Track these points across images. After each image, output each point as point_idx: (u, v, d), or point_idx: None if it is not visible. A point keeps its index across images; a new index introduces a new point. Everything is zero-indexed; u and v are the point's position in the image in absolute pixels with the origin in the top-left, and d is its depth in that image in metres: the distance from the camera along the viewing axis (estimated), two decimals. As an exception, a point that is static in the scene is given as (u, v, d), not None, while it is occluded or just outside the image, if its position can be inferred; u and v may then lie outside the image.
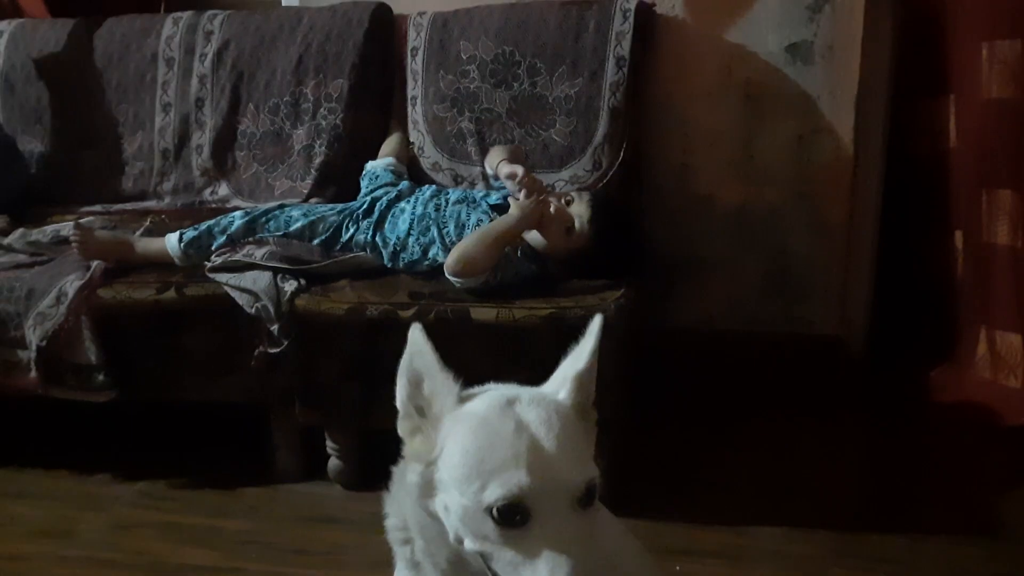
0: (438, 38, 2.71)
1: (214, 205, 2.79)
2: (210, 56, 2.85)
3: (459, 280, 2.06)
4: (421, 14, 2.77)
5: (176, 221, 2.52)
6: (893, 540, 2.01)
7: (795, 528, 2.05)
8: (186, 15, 2.93)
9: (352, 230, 2.32)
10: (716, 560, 1.96)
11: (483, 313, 2.01)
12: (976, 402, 2.61)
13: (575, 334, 1.90)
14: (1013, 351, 2.61)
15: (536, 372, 1.15)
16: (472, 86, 2.64)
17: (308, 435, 2.26)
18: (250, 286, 2.13)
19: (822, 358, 2.80)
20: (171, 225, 2.47)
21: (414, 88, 2.73)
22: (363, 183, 2.53)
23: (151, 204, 2.86)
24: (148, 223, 2.56)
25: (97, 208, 2.84)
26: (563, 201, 2.19)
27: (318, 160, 2.71)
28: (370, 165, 2.57)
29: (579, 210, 2.17)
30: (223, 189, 2.83)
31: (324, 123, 2.73)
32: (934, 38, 2.61)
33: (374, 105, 2.76)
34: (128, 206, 2.85)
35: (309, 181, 2.69)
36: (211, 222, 2.33)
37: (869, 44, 2.64)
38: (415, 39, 2.74)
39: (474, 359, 1.84)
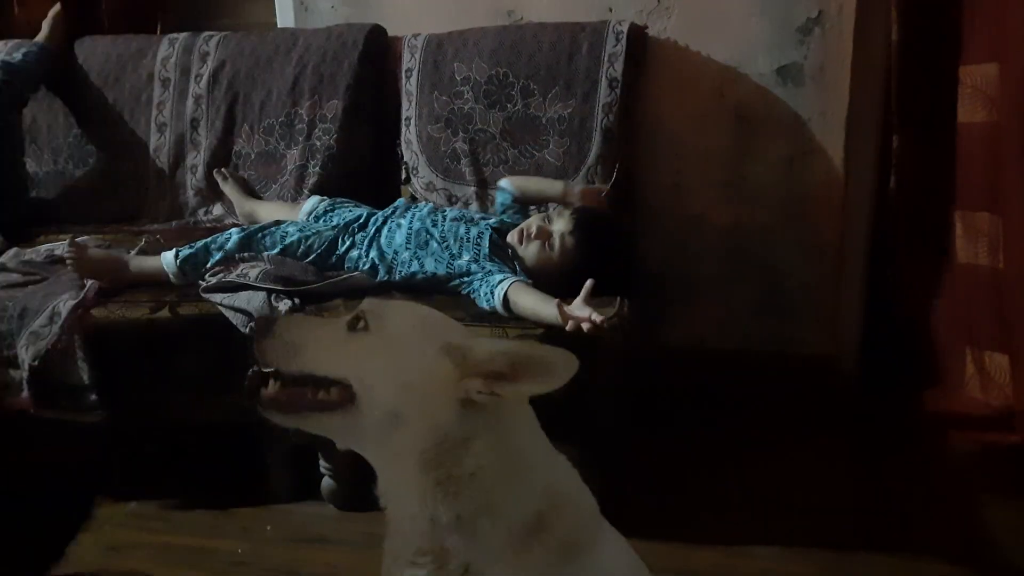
0: (432, 59, 2.73)
1: (208, 225, 2.79)
2: (206, 77, 2.86)
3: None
4: (415, 36, 2.79)
5: (171, 241, 2.52)
6: (885, 560, 2.02)
7: (787, 548, 2.05)
8: (182, 36, 2.95)
9: (347, 243, 2.33)
10: (709, 580, 1.96)
11: (479, 332, 2.00)
12: (967, 422, 2.62)
13: (569, 350, 1.92)
14: (1001, 371, 2.63)
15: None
16: (466, 107, 2.66)
17: (301, 455, 2.25)
18: (244, 306, 2.12)
19: (814, 378, 2.81)
20: (166, 244, 2.47)
21: (408, 109, 2.74)
22: (306, 218, 2.52)
23: (145, 225, 2.85)
24: (143, 243, 2.56)
25: (90, 228, 2.82)
26: (545, 220, 2.20)
27: (311, 180, 2.72)
28: (309, 204, 2.56)
29: (560, 226, 2.18)
30: (217, 209, 2.84)
31: (318, 143, 2.74)
32: (912, 66, 2.64)
33: (368, 126, 2.78)
34: (123, 226, 2.84)
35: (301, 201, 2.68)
36: (207, 240, 2.33)
37: (859, 66, 2.67)
38: (409, 60, 2.76)
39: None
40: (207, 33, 2.95)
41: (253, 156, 2.83)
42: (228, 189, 2.77)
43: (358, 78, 2.75)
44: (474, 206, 2.64)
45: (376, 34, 2.82)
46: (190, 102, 2.88)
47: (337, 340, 1.18)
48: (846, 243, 2.80)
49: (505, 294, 2.01)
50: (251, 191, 2.80)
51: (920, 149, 2.69)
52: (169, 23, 3.04)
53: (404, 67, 2.76)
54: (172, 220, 2.86)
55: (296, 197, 2.72)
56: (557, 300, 1.87)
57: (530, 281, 2.07)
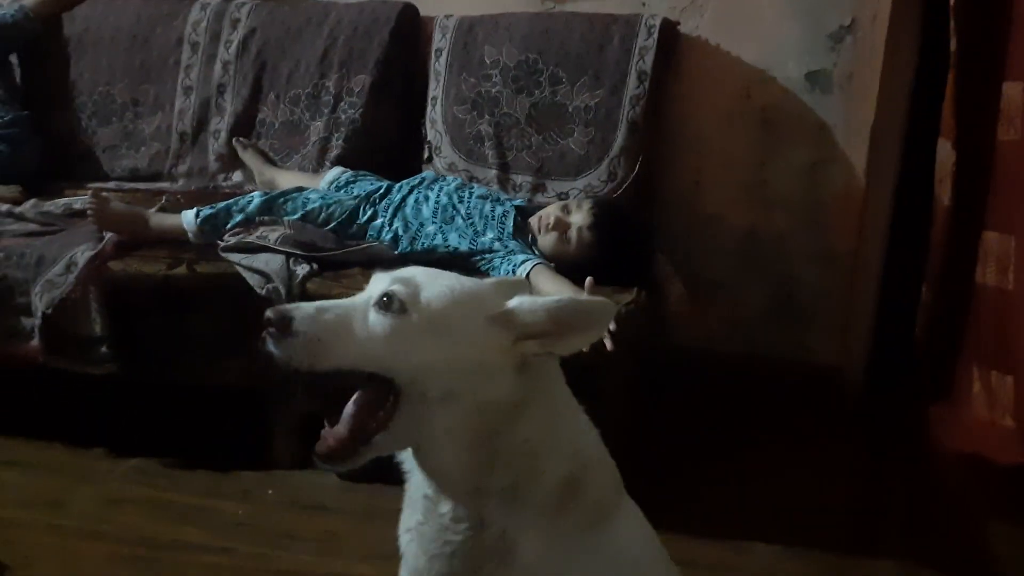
0: (463, 41, 2.73)
1: (228, 191, 2.79)
2: (235, 43, 2.87)
3: None
4: (448, 17, 2.80)
5: (191, 201, 2.52)
6: (884, 565, 2.02)
7: (789, 547, 2.05)
8: (214, 1, 2.95)
9: (369, 212, 2.33)
10: (713, 573, 1.96)
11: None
12: (971, 439, 2.60)
13: None
14: (1006, 391, 2.62)
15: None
16: (494, 90, 2.66)
17: (307, 421, 2.24)
18: (262, 267, 2.13)
19: (820, 386, 2.81)
20: (186, 205, 2.46)
21: (435, 89, 2.75)
22: (328, 187, 2.53)
23: (165, 185, 2.87)
24: (163, 201, 2.57)
25: (111, 185, 2.85)
26: (564, 210, 2.20)
27: (334, 153, 2.73)
28: (332, 174, 2.57)
29: (578, 218, 2.17)
30: (238, 176, 2.85)
31: (343, 116, 2.75)
32: (946, 81, 2.63)
33: (394, 103, 2.78)
34: (142, 185, 2.87)
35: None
36: (230, 201, 2.33)
37: (888, 77, 2.66)
38: (440, 40, 2.76)
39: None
40: (239, 0, 2.95)
41: (277, 125, 2.83)
42: (247, 157, 2.78)
43: (387, 54, 2.75)
44: (494, 189, 2.63)
45: (409, 12, 2.83)
46: (218, 67, 2.88)
47: (372, 328, 1.07)
48: (861, 253, 2.79)
49: (528, 275, 2.01)
50: (270, 161, 2.79)
51: (965, 165, 2.69)
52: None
53: (434, 47, 2.77)
54: (192, 183, 2.86)
55: (318, 169, 2.72)
56: (587, 285, 1.86)
57: (552, 265, 2.07)
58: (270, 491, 2.20)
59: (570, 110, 2.61)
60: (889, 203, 2.77)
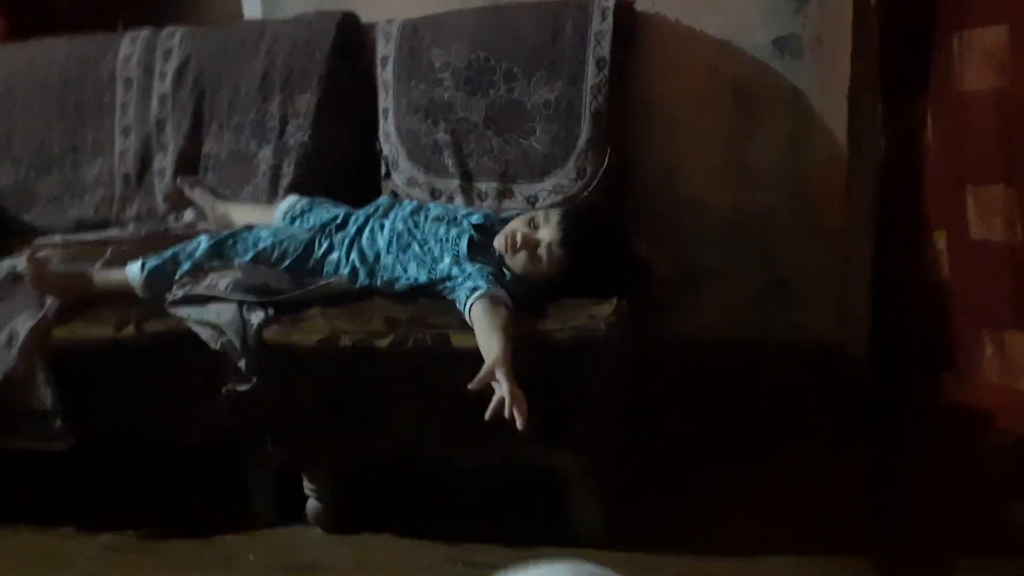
0: (408, 46, 2.58)
1: (180, 232, 2.63)
2: (170, 75, 2.71)
3: None
4: (390, 22, 2.64)
5: (140, 250, 2.35)
6: (902, 566, 1.90)
7: (803, 556, 1.92)
8: (143, 33, 2.79)
9: (325, 245, 2.19)
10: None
11: (465, 340, 1.87)
12: (985, 408, 2.46)
13: (564, 358, 1.79)
14: (1022, 352, 2.49)
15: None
16: (446, 95, 2.51)
17: (284, 476, 2.11)
18: (213, 319, 1.99)
19: (823, 365, 2.68)
20: (134, 254, 2.29)
21: (385, 100, 2.60)
22: (283, 218, 2.40)
23: (114, 233, 2.70)
24: (108, 254, 2.42)
25: (56, 239, 2.69)
26: (531, 225, 2.06)
27: (286, 180, 2.58)
28: (285, 204, 2.44)
29: (546, 233, 2.03)
30: (188, 214, 2.69)
31: (292, 141, 2.60)
32: (910, 33, 2.49)
33: (344, 120, 2.63)
34: (90, 236, 2.70)
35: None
36: (176, 248, 2.19)
37: (859, 36, 2.51)
38: (384, 48, 2.61)
39: (456, 389, 1.73)
40: (170, 28, 2.79)
41: (224, 156, 2.68)
42: (196, 196, 2.63)
43: (331, 69, 2.60)
44: (459, 200, 2.49)
45: (349, 21, 2.67)
46: (155, 102, 2.72)
47: None
48: (851, 224, 2.66)
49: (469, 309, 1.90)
50: (220, 195, 2.65)
51: (917, 119, 2.55)
52: (131, 19, 2.88)
53: (379, 55, 2.61)
54: (142, 227, 2.70)
55: (271, 199, 2.57)
56: (493, 360, 1.73)
57: (499, 293, 1.92)
58: (251, 557, 2.06)
59: (529, 107, 2.46)
60: (875, 168, 2.63)
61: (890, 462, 2.38)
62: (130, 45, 2.77)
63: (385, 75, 2.59)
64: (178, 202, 2.70)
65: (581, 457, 1.90)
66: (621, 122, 2.50)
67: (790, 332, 2.73)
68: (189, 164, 2.70)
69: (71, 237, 2.71)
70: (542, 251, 2.02)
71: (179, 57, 2.72)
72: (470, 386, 1.68)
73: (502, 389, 1.67)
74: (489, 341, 1.78)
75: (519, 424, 1.64)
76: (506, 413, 1.65)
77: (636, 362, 2.29)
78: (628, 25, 2.49)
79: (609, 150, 2.43)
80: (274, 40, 2.66)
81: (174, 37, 2.76)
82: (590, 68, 2.42)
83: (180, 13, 2.97)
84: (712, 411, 2.60)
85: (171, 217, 2.71)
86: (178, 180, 2.65)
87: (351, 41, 2.65)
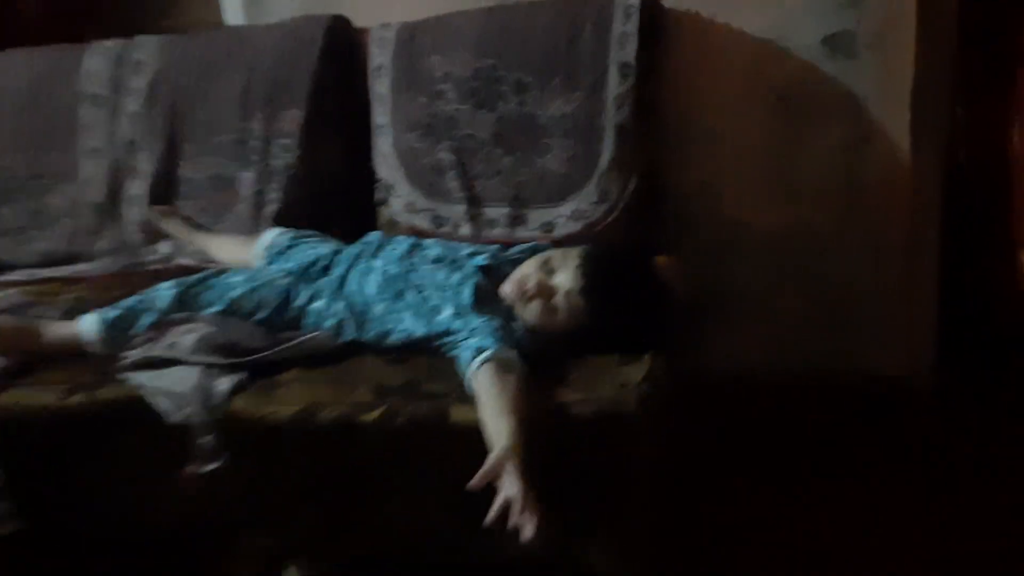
0: (406, 53, 2.28)
1: (157, 267, 2.36)
2: (141, 91, 2.44)
3: None
4: (384, 26, 2.34)
5: (102, 293, 2.10)
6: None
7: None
8: (112, 44, 2.50)
9: (308, 294, 1.89)
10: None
11: (466, 413, 1.56)
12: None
13: (589, 437, 1.48)
14: None
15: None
16: (449, 109, 2.22)
17: (254, 559, 1.80)
18: (173, 387, 1.69)
19: (885, 403, 2.40)
20: (101, 298, 2.02)
21: (381, 115, 2.31)
22: (264, 256, 2.12)
23: (83, 267, 2.43)
24: (71, 300, 2.13)
25: (21, 276, 2.40)
26: (545, 270, 1.75)
27: (271, 208, 2.30)
28: (267, 238, 2.16)
29: (564, 279, 1.72)
30: (165, 247, 2.41)
31: (277, 163, 2.32)
32: (993, 27, 2.18)
33: (335, 139, 2.35)
34: (56, 271, 2.42)
35: (261, 234, 2.26)
36: (137, 298, 1.90)
37: (926, 29, 2.19)
38: (379, 56, 2.32)
39: (457, 472, 1.42)
40: (141, 38, 2.51)
41: (202, 182, 2.40)
42: (171, 227, 2.37)
43: (320, 81, 2.32)
44: (465, 228, 2.20)
45: (339, 27, 2.38)
46: (125, 122, 2.45)
47: None
48: (915, 242, 2.36)
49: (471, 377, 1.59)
50: (198, 226, 2.38)
51: (1000, 124, 2.25)
52: (99, 29, 2.61)
53: (373, 64, 2.32)
54: (114, 261, 2.42)
55: (255, 228, 2.29)
56: (502, 451, 1.41)
57: (510, 355, 1.60)
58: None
59: (543, 122, 2.16)
60: (940, 179, 2.33)
61: (963, 506, 2.10)
62: (97, 58, 2.50)
63: (380, 87, 2.31)
64: (152, 234, 2.42)
65: (611, 556, 1.58)
66: (650, 136, 2.21)
67: (845, 366, 2.45)
68: (164, 190, 2.43)
69: (36, 273, 2.43)
70: (559, 300, 1.71)
71: (151, 71, 2.44)
72: (472, 484, 1.37)
73: (509, 489, 1.36)
74: (497, 423, 1.46)
75: (527, 532, 1.33)
76: (512, 520, 1.34)
77: (671, 427, 1.97)
78: (656, 25, 2.19)
79: (636, 169, 2.14)
80: (256, 50, 2.38)
81: (145, 48, 2.48)
82: (613, 76, 2.12)
83: (155, 20, 2.72)
84: (758, 456, 2.31)
85: (145, 251, 2.43)
86: (149, 211, 2.37)
87: (341, 49, 2.37)
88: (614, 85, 2.12)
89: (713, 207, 2.39)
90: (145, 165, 2.43)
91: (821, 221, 2.37)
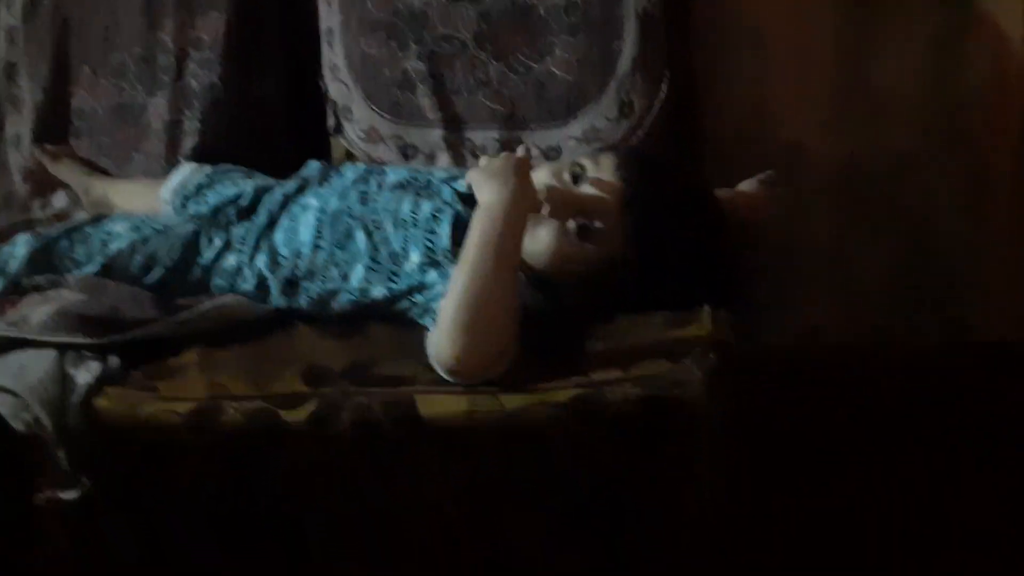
0: (360, -68, 1.87)
1: (49, 223, 1.93)
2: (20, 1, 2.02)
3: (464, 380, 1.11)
4: (331, -103, 1.92)
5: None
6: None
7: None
8: (-18, -61, 2.10)
9: (218, 244, 1.45)
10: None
11: (441, 405, 1.08)
12: None
13: (633, 434, 1.05)
14: None
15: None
16: (418, 2, 1.80)
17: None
18: (10, 384, 1.19)
19: (984, 373, 2.12)
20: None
21: (329, 16, 1.88)
22: (173, 200, 1.68)
23: (-42, 228, 2.05)
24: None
25: None
26: (566, 176, 1.26)
27: (190, 141, 1.89)
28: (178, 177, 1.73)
29: (601, 190, 1.23)
30: (59, 199, 2.00)
31: (194, 84, 1.91)
32: None
33: (270, 50, 1.94)
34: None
35: (177, 174, 1.90)
36: (-14, 259, 1.48)
37: None
38: (324, -63, 1.91)
39: (431, 492, 1.02)
40: (20, -68, 2.10)
41: (101, 113, 1.99)
42: (63, 171, 1.97)
43: (247, -25, 1.93)
44: (443, 158, 1.80)
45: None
46: (1, 39, 2.03)
47: None
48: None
49: None
50: (99, 169, 1.98)
51: None
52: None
53: (317, -51, 1.91)
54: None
55: (171, 168, 1.86)
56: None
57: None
58: None
59: (542, 13, 1.75)
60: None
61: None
62: (-36, -41, 2.09)
63: (327, -22, 1.90)
64: (43, 182, 2.02)
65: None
66: (685, 32, 1.82)
67: (939, 332, 2.17)
68: (54, 126, 2.03)
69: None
70: (600, 220, 1.22)
71: (31, -29, 2.05)
72: None
73: None
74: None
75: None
76: None
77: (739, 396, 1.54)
78: None
79: (667, 73, 1.74)
80: (165, -62, 1.97)
81: (24, -56, 2.07)
82: (635, -52, 1.71)
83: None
84: (830, 436, 1.98)
85: (35, 203, 2.03)
86: (36, 152, 1.99)
87: (277, -67, 1.97)
88: (637, -39, 1.72)
89: (765, 128, 2.06)
90: (28, 95, 2.05)
91: (904, 147, 2.05)
